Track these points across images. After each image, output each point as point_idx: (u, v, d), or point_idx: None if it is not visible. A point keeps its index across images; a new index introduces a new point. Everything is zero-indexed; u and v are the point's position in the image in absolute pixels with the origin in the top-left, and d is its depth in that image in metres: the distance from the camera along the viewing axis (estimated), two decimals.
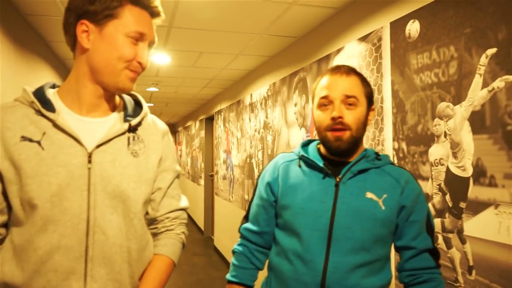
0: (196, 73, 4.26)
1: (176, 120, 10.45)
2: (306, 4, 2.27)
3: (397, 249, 1.18)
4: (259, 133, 3.93)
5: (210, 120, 6.83)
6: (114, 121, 1.05)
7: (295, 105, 3.03)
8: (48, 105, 0.98)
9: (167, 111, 8.18)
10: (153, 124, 1.13)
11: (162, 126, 1.17)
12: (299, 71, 2.96)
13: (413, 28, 1.75)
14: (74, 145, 0.97)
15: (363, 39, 2.13)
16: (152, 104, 7.00)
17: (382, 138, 1.96)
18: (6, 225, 0.99)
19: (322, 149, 1.18)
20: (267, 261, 1.29)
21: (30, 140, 0.94)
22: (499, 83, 1.34)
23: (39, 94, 1.00)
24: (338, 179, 1.12)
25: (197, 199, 7.56)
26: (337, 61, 2.41)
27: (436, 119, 1.62)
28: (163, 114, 8.83)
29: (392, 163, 1.20)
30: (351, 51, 2.25)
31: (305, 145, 1.25)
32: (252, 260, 1.27)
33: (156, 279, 1.06)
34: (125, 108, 1.08)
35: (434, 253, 1.15)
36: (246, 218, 1.32)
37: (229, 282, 1.28)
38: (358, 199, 1.10)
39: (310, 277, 1.08)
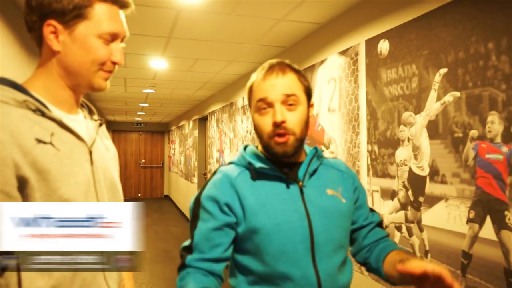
0: (191, 76, 4.50)
1: (170, 119, 10.68)
2: (292, 20, 2.54)
3: (352, 232, 1.14)
4: (250, 134, 4.19)
5: (203, 120, 7.06)
6: (87, 119, 1.06)
7: None
8: (42, 104, 0.92)
9: (161, 110, 8.41)
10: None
11: None
12: None
13: (384, 46, 2.02)
14: (78, 144, 0.96)
15: (343, 53, 2.40)
16: (147, 104, 7.23)
17: (358, 141, 2.24)
18: None
19: (266, 153, 1.08)
20: None
21: (44, 142, 0.88)
22: (448, 97, 1.62)
23: (21, 91, 0.91)
24: (300, 183, 1.06)
25: (190, 196, 7.77)
26: (321, 71, 2.67)
27: (401, 126, 1.90)
28: (157, 113, 9.05)
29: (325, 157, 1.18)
30: (333, 63, 2.52)
31: (246, 151, 1.13)
32: (208, 278, 1.01)
33: None
34: (83, 107, 1.09)
35: (381, 224, 1.18)
36: (189, 250, 1.04)
37: None
38: (323, 198, 1.06)
39: None
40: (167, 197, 11.67)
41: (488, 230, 1.45)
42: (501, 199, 1.40)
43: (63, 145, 0.91)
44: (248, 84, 1.08)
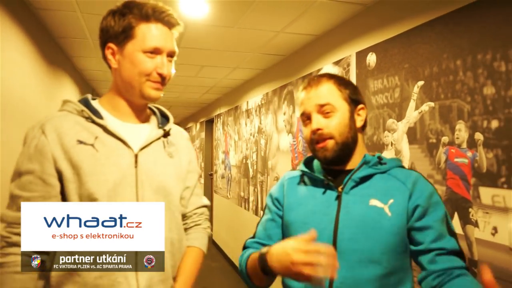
0: (198, 81, 4.72)
1: (177, 121, 10.93)
2: (290, 32, 2.74)
3: (417, 256, 1.03)
4: (254, 136, 4.40)
5: (210, 123, 7.28)
6: (150, 128, 1.19)
7: (284, 113, 3.49)
8: (96, 113, 1.10)
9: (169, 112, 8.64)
10: (178, 131, 1.29)
11: (185, 133, 1.32)
12: (288, 85, 3.43)
13: (372, 59, 2.22)
14: (123, 148, 1.09)
15: (337, 63, 2.60)
16: None
17: None
18: None
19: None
20: None
21: (85, 144, 1.04)
22: (425, 107, 1.81)
23: (86, 104, 1.11)
24: (340, 190, 1.08)
25: None
26: None
27: (386, 132, 2.09)
28: None
29: (401, 166, 1.12)
30: (328, 72, 2.71)
31: (309, 161, 1.21)
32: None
33: (193, 268, 1.18)
34: (156, 117, 1.24)
35: (461, 255, 1.01)
36: (252, 238, 1.23)
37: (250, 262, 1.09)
38: (361, 208, 1.03)
39: None
40: None
41: (456, 225, 1.64)
42: (466, 197, 1.59)
43: (104, 148, 1.07)
44: (296, 99, 1.18)
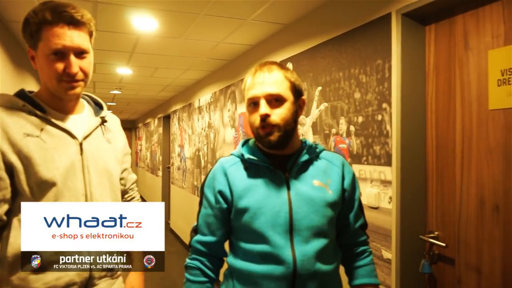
0: (153, 81, 5.15)
1: (136, 117, 11.19)
2: (229, 42, 3.27)
3: (339, 224, 1.25)
4: (204, 131, 4.90)
5: (167, 118, 7.68)
6: (88, 117, 1.23)
7: (228, 110, 4.02)
8: (38, 107, 1.11)
9: (128, 109, 8.96)
10: (112, 117, 1.34)
11: (117, 119, 1.39)
12: (231, 85, 3.95)
13: (289, 68, 2.78)
14: (67, 137, 1.14)
15: None
16: (114, 103, 7.78)
17: None
18: (6, 213, 1.08)
19: (261, 145, 1.21)
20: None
21: (32, 136, 1.07)
22: (322, 106, 2.39)
23: (26, 98, 1.11)
24: (287, 174, 1.17)
25: (156, 189, 8.41)
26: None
27: (299, 126, 2.66)
28: (124, 111, 9.58)
29: (325, 149, 1.27)
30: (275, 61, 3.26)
31: (244, 144, 1.27)
32: (206, 273, 1.22)
33: None
34: (90, 106, 1.29)
35: (364, 227, 1.30)
36: (195, 231, 1.26)
37: None
38: (308, 188, 1.15)
39: (282, 271, 1.10)
40: None
41: None
42: None
43: (51, 138, 1.11)
44: (243, 83, 1.21)
